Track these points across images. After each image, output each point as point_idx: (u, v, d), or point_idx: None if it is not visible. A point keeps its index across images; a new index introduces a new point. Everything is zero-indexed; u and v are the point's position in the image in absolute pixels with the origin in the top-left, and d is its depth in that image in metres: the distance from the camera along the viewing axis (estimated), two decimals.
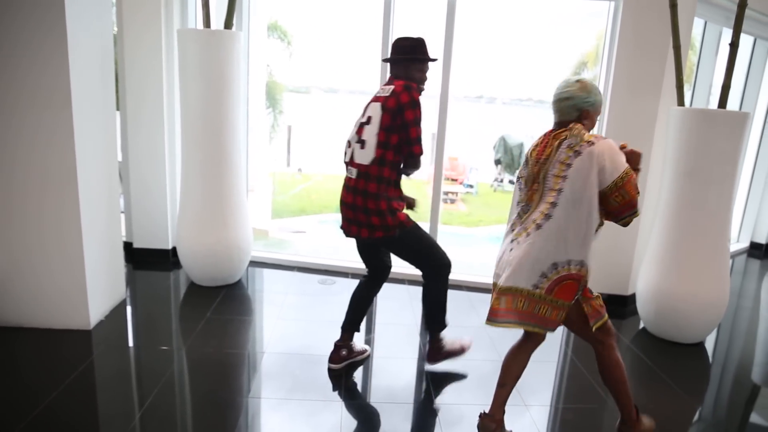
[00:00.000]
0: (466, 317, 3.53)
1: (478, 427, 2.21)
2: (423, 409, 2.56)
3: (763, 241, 5.86)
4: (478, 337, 3.25)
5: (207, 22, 3.49)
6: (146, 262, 4.14)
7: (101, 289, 3.13)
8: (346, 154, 2.65)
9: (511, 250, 2.08)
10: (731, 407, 2.88)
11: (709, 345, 3.52)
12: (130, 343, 3.04)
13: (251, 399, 2.54)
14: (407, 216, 2.62)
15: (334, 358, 2.81)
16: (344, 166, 2.67)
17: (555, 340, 3.39)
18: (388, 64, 2.68)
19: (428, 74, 2.68)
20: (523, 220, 2.09)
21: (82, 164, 2.86)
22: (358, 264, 4.27)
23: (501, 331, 3.36)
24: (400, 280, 4.16)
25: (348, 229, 2.66)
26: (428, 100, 4.17)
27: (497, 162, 13.11)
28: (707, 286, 3.28)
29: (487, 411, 2.24)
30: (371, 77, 3.96)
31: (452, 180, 12.71)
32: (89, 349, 2.85)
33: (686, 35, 3.58)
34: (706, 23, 4.85)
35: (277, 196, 10.53)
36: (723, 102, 3.23)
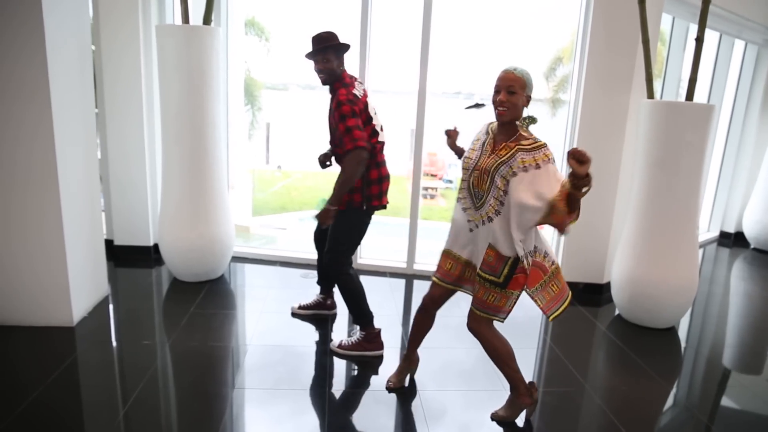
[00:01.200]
0: (448, 311, 3.59)
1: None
2: (407, 398, 2.62)
3: (731, 230, 6.06)
4: (461, 331, 3.32)
5: (185, 18, 3.49)
6: (128, 260, 4.13)
7: (84, 286, 3.13)
8: (380, 135, 2.86)
9: (470, 230, 2.28)
10: (703, 389, 3.00)
11: (683, 330, 3.66)
12: (114, 339, 3.04)
13: (237, 390, 2.57)
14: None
15: None
16: (381, 146, 2.87)
17: (534, 328, 3.48)
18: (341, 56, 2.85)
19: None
20: (477, 206, 2.22)
21: (62, 162, 2.85)
22: None
23: None
24: (382, 273, 4.22)
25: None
26: (406, 97, 4.24)
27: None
28: (677, 273, 3.40)
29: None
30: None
31: (431, 176, 12.80)
32: (73, 345, 2.85)
33: (655, 30, 3.69)
34: (674, 19, 5.00)
35: (258, 193, 10.50)
36: (690, 95, 3.35)
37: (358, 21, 3.92)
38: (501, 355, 2.35)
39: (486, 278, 2.21)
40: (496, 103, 2.13)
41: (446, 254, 2.41)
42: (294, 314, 3.37)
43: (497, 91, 2.12)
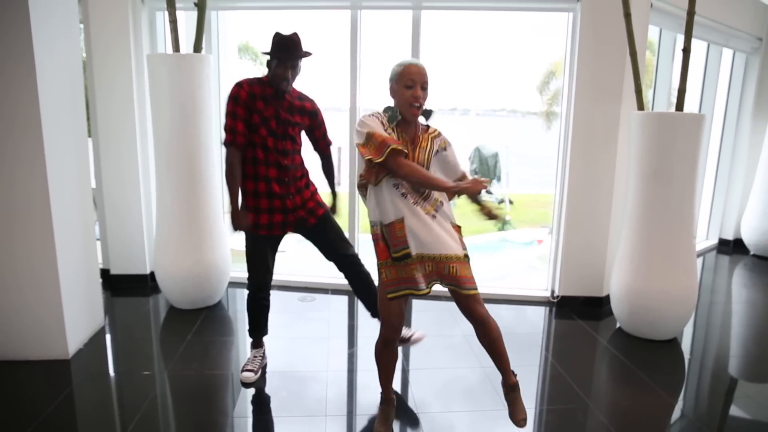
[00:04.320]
0: (449, 329, 3.57)
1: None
2: (409, 420, 2.58)
3: (730, 237, 6.05)
4: (461, 347, 3.30)
5: (176, 46, 3.52)
6: (124, 289, 4.10)
7: (79, 318, 3.10)
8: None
9: (433, 217, 2.18)
10: (709, 401, 2.95)
11: (686, 340, 3.62)
12: (111, 371, 3.01)
13: (236, 419, 2.53)
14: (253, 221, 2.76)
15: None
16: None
17: (535, 344, 3.45)
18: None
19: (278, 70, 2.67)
20: (424, 196, 2.18)
21: (55, 192, 2.85)
22: (337, 280, 4.30)
23: None
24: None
25: None
26: None
27: (473, 172, 13.30)
28: (677, 283, 3.38)
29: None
30: (342, 93, 4.02)
31: None
32: (69, 378, 2.81)
33: (642, 42, 3.72)
34: (661, 30, 5.05)
35: None
36: (680, 105, 3.36)
37: (347, 40, 3.96)
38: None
39: (466, 254, 2.22)
40: (411, 99, 2.08)
41: (412, 262, 2.17)
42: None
43: (410, 87, 2.07)
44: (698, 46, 5.39)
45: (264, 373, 2.94)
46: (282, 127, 2.71)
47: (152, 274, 4.06)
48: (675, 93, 3.43)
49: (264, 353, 3.01)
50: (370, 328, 3.61)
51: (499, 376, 2.34)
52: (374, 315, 3.00)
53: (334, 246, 2.90)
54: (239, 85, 2.66)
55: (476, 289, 2.20)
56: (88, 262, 3.26)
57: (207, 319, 3.63)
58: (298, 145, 2.82)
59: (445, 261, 2.17)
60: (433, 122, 2.31)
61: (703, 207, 6.03)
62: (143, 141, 4.01)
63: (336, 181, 3.08)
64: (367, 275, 2.97)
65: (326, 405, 2.66)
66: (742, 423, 2.75)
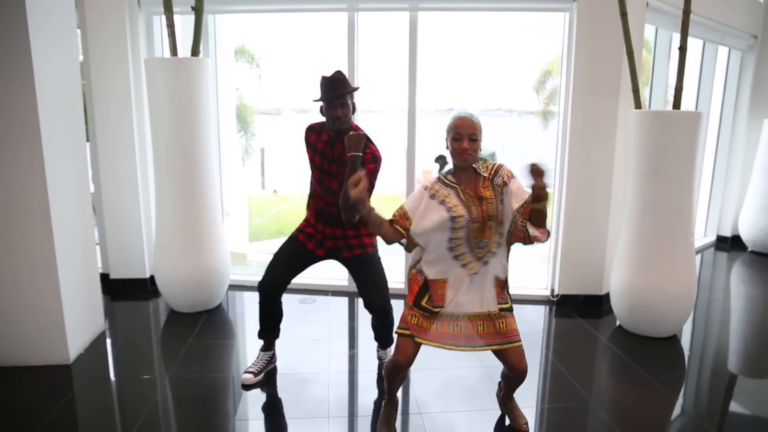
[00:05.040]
0: None
1: None
2: (410, 421, 2.59)
3: (728, 234, 6.07)
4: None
5: (174, 50, 3.52)
6: (124, 293, 4.10)
7: (79, 323, 3.10)
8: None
9: (471, 281, 2.21)
10: (710, 397, 2.97)
11: (685, 338, 3.63)
12: (112, 375, 3.01)
13: (238, 422, 2.53)
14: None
15: None
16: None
17: (536, 342, 3.46)
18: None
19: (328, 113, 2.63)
20: (478, 256, 2.20)
21: (54, 197, 2.85)
22: (337, 282, 4.31)
23: None
24: None
25: None
26: (396, 115, 4.26)
27: None
28: (676, 280, 3.39)
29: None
30: None
31: None
32: (70, 383, 2.81)
33: (638, 41, 3.74)
34: (657, 29, 5.06)
35: (254, 219, 10.49)
36: (677, 103, 3.37)
37: (345, 42, 3.97)
38: None
39: (505, 308, 2.26)
40: (460, 151, 2.14)
41: (440, 317, 2.23)
42: None
43: (457, 139, 2.14)
44: (694, 44, 5.41)
45: (272, 377, 2.93)
46: (327, 179, 2.71)
47: (152, 278, 4.05)
48: (671, 91, 3.44)
49: (271, 357, 2.98)
50: (370, 329, 3.62)
51: (499, 378, 2.39)
52: (379, 342, 3.02)
53: (366, 291, 2.81)
54: (307, 129, 2.76)
55: (513, 342, 2.23)
56: (87, 266, 3.26)
57: (207, 322, 3.63)
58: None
59: (475, 319, 2.24)
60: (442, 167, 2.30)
61: (701, 204, 6.06)
62: (142, 145, 4.01)
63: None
64: (389, 326, 2.91)
65: (328, 407, 2.66)
66: (742, 418, 2.76)
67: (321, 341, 3.39)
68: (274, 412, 2.63)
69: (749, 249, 5.81)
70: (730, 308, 4.29)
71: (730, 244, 6.04)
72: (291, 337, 3.45)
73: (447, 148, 2.21)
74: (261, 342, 2.95)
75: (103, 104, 3.88)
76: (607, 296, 3.97)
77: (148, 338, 3.52)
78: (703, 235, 6.15)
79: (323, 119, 2.67)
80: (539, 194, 1.96)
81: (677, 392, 2.95)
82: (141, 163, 4.02)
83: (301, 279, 4.25)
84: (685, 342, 3.59)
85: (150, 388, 2.78)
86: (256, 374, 2.85)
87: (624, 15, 3.38)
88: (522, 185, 2.14)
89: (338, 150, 2.65)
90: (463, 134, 2.13)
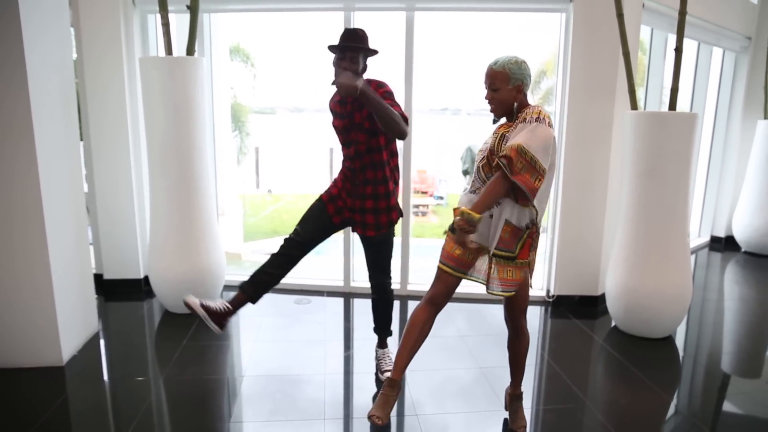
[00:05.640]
0: (443, 330, 3.57)
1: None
2: (406, 421, 2.58)
3: (722, 235, 6.10)
4: (457, 348, 3.30)
5: (169, 49, 3.50)
6: (118, 293, 4.07)
7: (73, 324, 3.07)
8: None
9: (490, 216, 2.16)
10: (703, 398, 2.98)
11: (679, 338, 3.64)
12: (105, 377, 2.98)
13: (233, 424, 2.52)
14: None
15: None
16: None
17: (532, 345, 3.45)
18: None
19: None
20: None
21: (47, 197, 2.82)
22: (333, 282, 4.30)
23: (478, 341, 3.43)
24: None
25: None
26: None
27: (465, 172, 13.29)
28: (671, 281, 3.40)
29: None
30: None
31: (422, 193, 12.82)
32: (63, 385, 2.79)
33: (635, 42, 3.75)
34: (652, 30, 5.08)
35: (249, 218, 10.46)
36: (673, 104, 3.38)
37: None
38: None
39: (502, 256, 2.15)
40: (487, 101, 2.16)
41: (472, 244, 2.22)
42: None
43: (487, 89, 2.15)
44: (689, 46, 5.43)
45: (330, 381, 2.90)
46: (344, 137, 2.70)
47: (146, 278, 4.02)
48: (666, 92, 3.45)
49: (228, 309, 2.78)
50: (366, 330, 3.61)
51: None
52: (378, 333, 3.00)
53: (370, 266, 2.84)
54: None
55: (509, 290, 2.19)
56: (81, 266, 3.23)
57: (202, 323, 3.56)
58: (363, 145, 2.62)
59: (478, 252, 2.22)
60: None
61: (695, 204, 6.08)
62: (136, 144, 3.98)
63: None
64: (389, 303, 2.93)
65: (324, 408, 2.65)
66: (736, 419, 2.78)
67: (316, 342, 3.38)
68: (269, 413, 2.62)
69: (743, 249, 5.84)
70: (724, 309, 4.31)
71: (724, 244, 6.07)
72: (286, 337, 3.45)
73: None
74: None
75: (97, 103, 3.85)
76: (602, 297, 3.98)
77: (143, 339, 3.50)
78: (697, 236, 6.18)
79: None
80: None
81: (672, 393, 2.96)
82: (135, 162, 3.99)
83: (297, 279, 4.28)
84: (680, 342, 3.60)
85: (144, 390, 2.76)
86: (203, 305, 2.69)
87: (620, 16, 3.38)
88: (526, 132, 2.02)
89: (350, 104, 2.64)
90: (485, 84, 2.14)
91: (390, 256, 2.85)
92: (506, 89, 2.11)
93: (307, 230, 2.74)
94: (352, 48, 2.54)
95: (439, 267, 2.27)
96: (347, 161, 2.73)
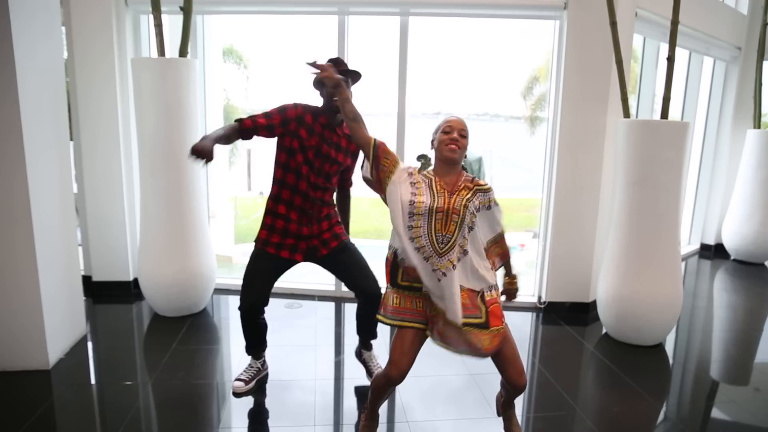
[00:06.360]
0: None
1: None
2: (396, 428, 2.57)
3: (712, 242, 6.14)
4: (447, 353, 3.28)
5: (161, 50, 3.47)
6: (107, 296, 4.02)
7: (60, 326, 3.03)
8: None
9: (438, 280, 2.06)
10: (692, 405, 2.99)
11: (669, 346, 3.66)
12: (93, 381, 2.94)
13: (222, 430, 2.49)
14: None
15: None
16: None
17: (521, 349, 3.45)
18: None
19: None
20: (440, 251, 2.06)
21: (35, 197, 2.78)
22: (324, 287, 4.28)
23: None
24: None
25: None
26: (384, 118, 4.24)
27: None
28: (662, 289, 3.42)
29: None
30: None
31: None
32: (49, 389, 2.74)
33: (627, 51, 3.77)
34: (645, 38, 5.12)
35: (240, 220, 10.40)
36: (665, 113, 3.41)
37: (335, 45, 3.95)
38: None
39: (472, 324, 2.07)
40: (447, 141, 2.10)
41: (421, 296, 2.13)
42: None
43: (447, 132, 2.11)
44: (680, 55, 5.47)
45: (263, 385, 2.88)
46: (320, 161, 2.61)
47: (136, 280, 3.98)
48: (658, 100, 3.48)
49: (262, 364, 2.92)
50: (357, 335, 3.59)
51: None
52: (365, 336, 2.96)
53: (354, 279, 2.76)
54: (294, 105, 2.60)
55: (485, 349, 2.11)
56: (69, 268, 3.19)
57: (192, 327, 3.58)
58: (331, 183, 2.71)
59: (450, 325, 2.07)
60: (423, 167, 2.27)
61: (686, 212, 6.12)
62: (127, 145, 3.95)
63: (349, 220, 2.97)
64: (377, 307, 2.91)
65: (314, 413, 2.63)
66: (725, 425, 2.79)
67: (307, 347, 3.36)
68: (258, 419, 2.60)
69: (732, 257, 5.88)
70: (714, 316, 4.34)
71: (714, 252, 6.12)
72: (277, 342, 3.41)
73: (432, 148, 2.18)
74: (244, 347, 2.91)
75: (87, 103, 3.81)
76: (593, 304, 3.99)
77: (131, 343, 3.46)
78: (687, 243, 6.22)
79: (310, 104, 2.66)
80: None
81: (662, 400, 2.97)
82: (126, 163, 3.95)
83: (288, 284, 4.25)
84: (670, 350, 3.61)
85: (132, 395, 2.73)
86: (246, 382, 2.80)
87: (614, 24, 3.41)
88: (501, 218, 2.20)
89: (336, 136, 2.64)
90: (454, 127, 2.12)
91: (366, 262, 2.81)
92: (467, 141, 2.15)
93: (259, 290, 2.68)
94: (347, 72, 2.58)
95: (378, 319, 2.20)
96: (315, 180, 2.62)
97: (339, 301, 4.15)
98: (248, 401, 2.73)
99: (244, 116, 2.58)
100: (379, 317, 2.19)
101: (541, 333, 3.87)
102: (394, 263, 2.15)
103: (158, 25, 3.44)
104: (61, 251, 3.09)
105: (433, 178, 2.14)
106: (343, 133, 2.67)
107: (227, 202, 7.43)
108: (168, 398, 2.73)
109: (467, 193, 2.12)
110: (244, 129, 2.55)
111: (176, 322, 3.62)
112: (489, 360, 2.21)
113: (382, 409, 2.68)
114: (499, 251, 2.23)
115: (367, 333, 2.94)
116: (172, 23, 3.98)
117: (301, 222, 2.66)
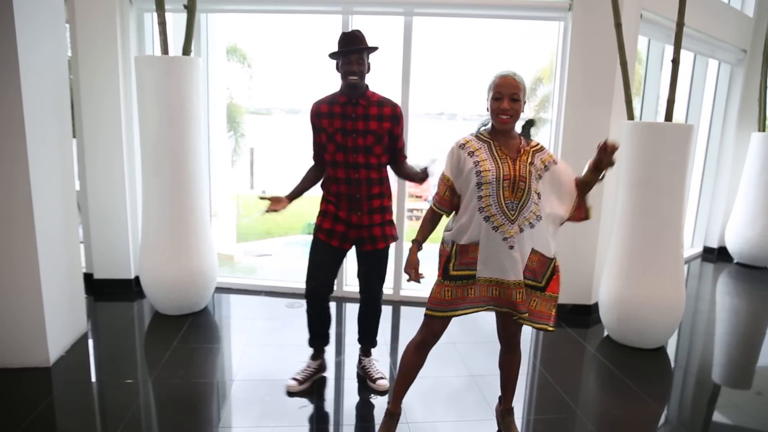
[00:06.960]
0: None
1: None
2: (396, 430, 2.55)
3: (715, 246, 6.12)
4: (447, 354, 3.28)
5: (165, 49, 3.47)
6: (108, 293, 4.02)
7: (61, 324, 3.03)
8: None
9: (510, 247, 2.07)
10: (694, 409, 2.98)
11: (671, 349, 3.64)
12: (93, 378, 2.94)
13: (221, 429, 2.49)
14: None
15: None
16: None
17: (523, 353, 3.44)
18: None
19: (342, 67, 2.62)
20: (512, 218, 2.06)
21: (37, 194, 2.78)
22: None
23: (469, 348, 3.42)
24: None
25: None
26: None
27: None
28: (664, 292, 3.40)
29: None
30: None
31: (416, 197, 12.82)
32: (49, 387, 2.75)
33: (632, 53, 3.75)
34: (649, 40, 5.10)
35: (242, 219, 10.42)
36: (669, 115, 3.39)
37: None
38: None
39: (529, 284, 2.13)
40: (499, 111, 2.04)
41: (473, 283, 2.14)
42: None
43: (498, 98, 2.04)
44: (685, 57, 5.45)
45: (321, 386, 2.88)
46: (351, 139, 2.59)
47: (137, 278, 3.98)
48: (662, 103, 3.46)
49: (320, 365, 2.93)
50: (356, 335, 3.59)
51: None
52: (365, 343, 3.00)
53: (366, 276, 2.81)
54: (311, 108, 2.70)
55: (533, 321, 2.18)
56: (70, 266, 3.19)
57: (193, 325, 3.57)
58: (376, 158, 2.63)
59: (513, 287, 2.10)
60: (529, 133, 2.26)
61: (689, 215, 6.10)
62: (129, 143, 3.95)
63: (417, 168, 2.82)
64: (378, 312, 2.93)
65: (314, 414, 2.62)
66: (726, 429, 2.78)
67: (307, 346, 3.35)
68: (258, 418, 2.59)
69: (735, 260, 5.86)
70: (716, 320, 4.32)
71: (717, 255, 6.09)
72: (278, 341, 3.42)
73: (487, 109, 2.11)
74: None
75: (91, 100, 3.81)
76: (595, 306, 3.97)
77: (132, 341, 3.46)
78: (690, 246, 6.19)
79: (328, 93, 2.68)
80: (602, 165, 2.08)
81: (663, 403, 2.95)
82: (128, 161, 3.96)
83: (289, 283, 4.25)
84: (672, 353, 3.60)
85: (132, 393, 2.72)
86: (301, 382, 2.80)
87: (618, 26, 3.39)
88: (569, 169, 2.18)
89: (362, 107, 2.60)
90: (504, 93, 2.03)
91: (386, 268, 2.86)
92: (522, 102, 2.07)
93: (323, 276, 2.76)
94: (357, 50, 2.55)
95: (426, 314, 2.20)
96: (352, 160, 2.61)
97: (340, 301, 4.14)
98: (248, 401, 2.72)
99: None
100: (428, 312, 2.18)
101: (543, 335, 3.85)
102: (450, 255, 2.14)
103: (162, 23, 3.44)
104: (63, 248, 3.09)
105: (491, 142, 2.11)
106: (369, 102, 2.62)
107: (229, 201, 7.43)
108: (168, 397, 2.73)
109: (527, 158, 2.10)
110: (316, 163, 2.79)
111: (177, 320, 3.62)
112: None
113: (380, 412, 2.68)
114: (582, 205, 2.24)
115: (367, 338, 2.97)
116: (176, 21, 3.99)
117: (351, 209, 2.66)
